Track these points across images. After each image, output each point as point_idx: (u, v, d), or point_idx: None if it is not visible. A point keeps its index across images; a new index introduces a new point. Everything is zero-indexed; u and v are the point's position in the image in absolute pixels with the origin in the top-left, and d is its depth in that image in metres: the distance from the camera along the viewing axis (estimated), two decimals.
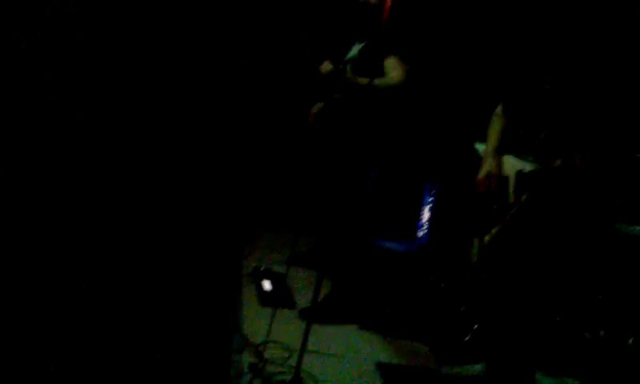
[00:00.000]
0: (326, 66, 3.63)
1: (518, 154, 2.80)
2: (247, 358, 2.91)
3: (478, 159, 2.90)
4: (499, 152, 2.82)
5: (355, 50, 3.63)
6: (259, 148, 3.73)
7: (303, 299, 3.59)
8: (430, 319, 3.46)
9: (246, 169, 3.71)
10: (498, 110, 2.93)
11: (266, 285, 3.65)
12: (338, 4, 4.09)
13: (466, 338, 3.19)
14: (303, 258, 4.01)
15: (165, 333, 2.52)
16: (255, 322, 3.21)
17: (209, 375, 2.68)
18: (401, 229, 3.97)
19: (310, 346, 2.80)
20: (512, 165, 2.79)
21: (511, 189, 2.78)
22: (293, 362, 2.77)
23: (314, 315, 2.92)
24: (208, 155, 2.93)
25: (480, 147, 2.98)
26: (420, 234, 3.91)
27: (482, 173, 2.80)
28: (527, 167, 2.71)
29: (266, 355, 2.93)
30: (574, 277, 2.92)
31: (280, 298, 3.56)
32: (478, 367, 3.05)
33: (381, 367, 3.07)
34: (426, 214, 3.90)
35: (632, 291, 3.15)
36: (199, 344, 2.71)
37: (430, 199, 3.89)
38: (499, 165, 2.81)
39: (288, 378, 2.74)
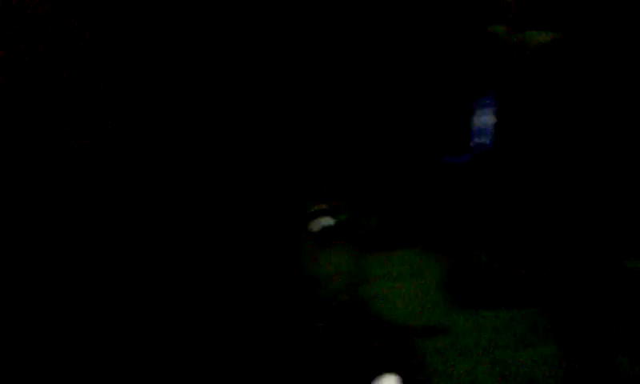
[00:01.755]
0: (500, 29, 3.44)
1: (539, 29, 2.64)
2: (314, 293, 2.86)
3: (494, 46, 2.74)
4: (520, 29, 2.67)
5: None
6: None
7: (366, 230, 3.49)
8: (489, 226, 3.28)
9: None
10: None
11: (326, 221, 3.57)
12: None
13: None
14: (362, 191, 3.89)
15: (236, 279, 2.54)
16: (320, 258, 3.15)
17: (280, 313, 2.67)
18: (454, 140, 3.77)
19: (374, 272, 2.73)
20: (539, 38, 2.62)
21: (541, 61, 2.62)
22: (359, 290, 2.70)
23: (373, 242, 2.84)
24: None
25: (498, 28, 2.81)
26: (477, 141, 3.69)
27: (512, 48, 2.64)
28: (555, 37, 2.53)
29: (333, 287, 2.86)
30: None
31: (342, 232, 3.48)
32: None
33: (446, 282, 2.94)
34: (481, 121, 3.68)
35: None
36: (269, 286, 2.69)
37: (486, 104, 3.66)
38: (522, 41, 2.65)
39: (355, 305, 2.67)
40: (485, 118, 3.73)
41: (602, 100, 2.79)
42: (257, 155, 3.11)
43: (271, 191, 3.26)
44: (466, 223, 3.40)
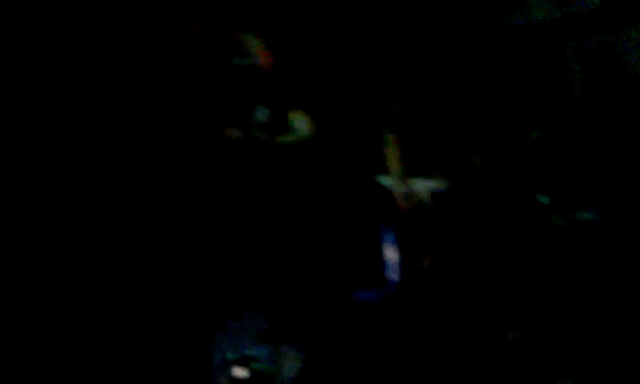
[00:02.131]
0: (233, 132, 3.57)
1: (426, 176, 2.85)
2: None
3: (385, 192, 2.93)
4: (405, 177, 2.87)
5: (259, 112, 3.61)
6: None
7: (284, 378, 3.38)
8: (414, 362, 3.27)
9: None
10: (388, 138, 2.99)
11: (240, 372, 3.43)
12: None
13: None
14: (278, 335, 3.80)
15: None
16: None
17: None
18: (367, 275, 3.80)
19: None
20: (424, 187, 2.81)
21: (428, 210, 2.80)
22: None
23: None
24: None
25: (384, 181, 3.00)
26: (390, 275, 3.73)
27: (400, 199, 2.81)
28: (439, 186, 2.72)
29: None
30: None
31: (259, 382, 3.35)
32: None
33: None
34: (391, 254, 3.74)
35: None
36: None
37: (389, 237, 3.74)
38: (411, 188, 2.84)
39: None
40: (393, 254, 3.78)
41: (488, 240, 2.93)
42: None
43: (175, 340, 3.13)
44: (389, 361, 3.36)
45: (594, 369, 2.90)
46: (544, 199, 2.89)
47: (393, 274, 3.81)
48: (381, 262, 3.79)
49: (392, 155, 3.03)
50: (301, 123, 3.44)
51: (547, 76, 3.05)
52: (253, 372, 3.38)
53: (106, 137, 2.99)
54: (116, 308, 3.02)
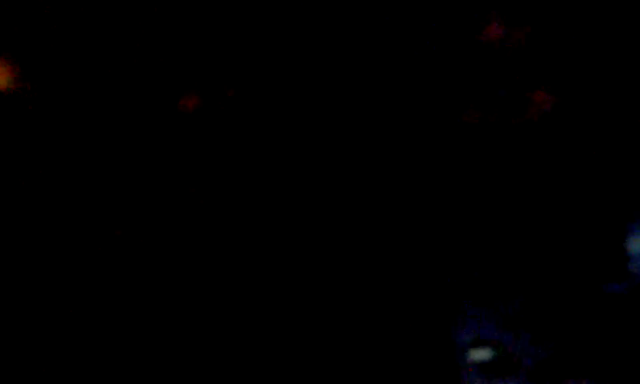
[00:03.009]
0: (473, 115, 3.51)
1: None
2: None
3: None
4: None
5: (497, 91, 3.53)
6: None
7: (528, 364, 3.28)
8: None
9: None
10: None
11: (482, 355, 3.37)
12: None
13: None
14: (520, 319, 3.71)
15: None
16: None
17: None
18: (611, 266, 3.62)
19: None
20: None
21: None
22: None
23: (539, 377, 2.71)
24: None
25: None
26: (635, 268, 3.53)
27: None
28: None
29: None
30: None
31: (502, 367, 3.27)
32: None
33: None
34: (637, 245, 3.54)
35: None
36: None
37: (636, 227, 3.55)
38: None
39: None
40: None
41: None
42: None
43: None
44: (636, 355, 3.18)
45: None
46: None
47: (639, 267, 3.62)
48: (626, 253, 3.60)
49: None
50: (539, 102, 3.35)
51: None
52: (496, 356, 3.31)
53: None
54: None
